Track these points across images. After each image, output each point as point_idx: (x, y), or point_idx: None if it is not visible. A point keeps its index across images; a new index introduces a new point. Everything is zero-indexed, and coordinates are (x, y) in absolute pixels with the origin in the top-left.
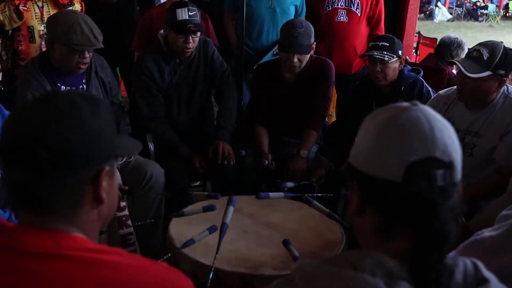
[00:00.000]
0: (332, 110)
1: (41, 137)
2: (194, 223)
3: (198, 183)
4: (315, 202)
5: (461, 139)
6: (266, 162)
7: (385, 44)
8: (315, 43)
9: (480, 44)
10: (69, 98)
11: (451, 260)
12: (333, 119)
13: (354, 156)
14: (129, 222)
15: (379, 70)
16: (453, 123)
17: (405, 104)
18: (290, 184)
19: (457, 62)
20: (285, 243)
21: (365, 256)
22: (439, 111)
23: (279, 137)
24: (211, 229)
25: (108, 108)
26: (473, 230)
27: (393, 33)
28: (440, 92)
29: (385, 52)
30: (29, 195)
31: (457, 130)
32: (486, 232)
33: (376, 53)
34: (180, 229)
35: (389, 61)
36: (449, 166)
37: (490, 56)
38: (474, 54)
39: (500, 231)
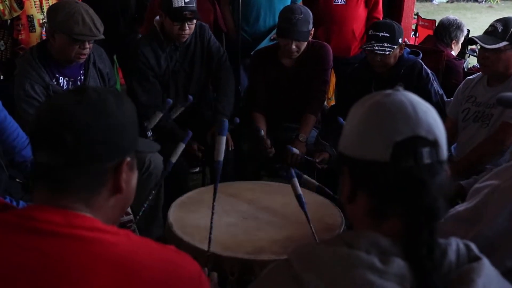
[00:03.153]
0: (331, 93)
1: (69, 123)
2: (193, 210)
3: (197, 169)
4: (305, 176)
5: (482, 112)
6: (262, 131)
7: (386, 34)
8: (313, 29)
9: (494, 21)
10: (98, 91)
11: (443, 240)
12: (332, 102)
13: (343, 143)
14: (129, 209)
15: (379, 60)
16: (475, 98)
17: (388, 90)
18: (295, 150)
19: (475, 38)
20: (290, 175)
21: (360, 236)
22: (466, 90)
23: (278, 122)
24: (185, 139)
25: (131, 105)
26: (466, 190)
27: (391, 15)
28: (468, 77)
29: (385, 44)
30: (51, 177)
31: (478, 104)
32: (461, 207)
33: (377, 47)
34: (179, 215)
35: (390, 53)
36: (434, 144)
37: (504, 28)
38: (490, 29)
39: (474, 202)
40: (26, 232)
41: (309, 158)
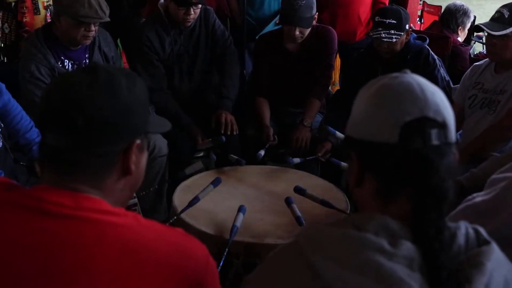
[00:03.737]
0: (336, 78)
1: (79, 104)
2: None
3: (201, 154)
4: (343, 164)
5: (489, 99)
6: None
7: (393, 21)
8: (317, 13)
9: (500, 7)
10: (108, 71)
11: (453, 224)
12: (337, 88)
13: (351, 126)
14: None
15: (386, 47)
16: (483, 85)
17: (396, 73)
18: (296, 160)
19: (481, 26)
20: (288, 201)
21: (368, 218)
22: (473, 76)
23: (282, 107)
24: (215, 183)
25: (143, 86)
26: (465, 185)
27: (397, 0)
28: (475, 63)
29: (392, 31)
30: (60, 158)
31: (486, 91)
32: (478, 197)
33: (384, 34)
34: (184, 198)
35: (397, 40)
36: (442, 125)
37: (510, 14)
38: (496, 15)
39: (492, 194)
40: (34, 213)
41: (311, 158)
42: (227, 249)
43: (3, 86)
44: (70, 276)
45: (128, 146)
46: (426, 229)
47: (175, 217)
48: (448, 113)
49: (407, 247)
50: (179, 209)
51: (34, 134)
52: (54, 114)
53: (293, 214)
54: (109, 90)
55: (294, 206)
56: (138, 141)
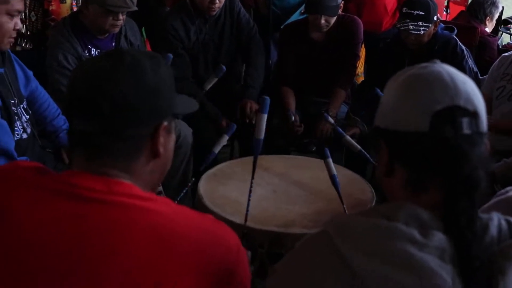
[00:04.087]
0: (360, 69)
1: (105, 89)
2: (223, 182)
3: (226, 143)
4: (347, 137)
5: None
6: (292, 116)
7: (421, 13)
8: (342, 2)
9: None
10: (133, 55)
11: (485, 215)
12: (361, 79)
13: (380, 116)
14: None
15: (413, 39)
16: (511, 76)
17: (425, 63)
18: (330, 119)
19: (510, 20)
20: (324, 154)
21: (399, 208)
22: (501, 67)
23: (307, 97)
24: (229, 131)
25: (168, 68)
26: (497, 174)
27: None
28: (504, 54)
29: (420, 23)
30: (88, 144)
31: None
32: (511, 191)
33: (411, 26)
34: (209, 187)
35: (425, 32)
36: (473, 114)
37: None
38: None
39: None
40: (67, 197)
41: (340, 130)
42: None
43: (31, 73)
44: (101, 260)
45: (156, 129)
46: (457, 218)
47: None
48: (479, 102)
49: (439, 238)
50: (204, 197)
51: (61, 121)
52: (80, 101)
53: (328, 171)
54: (134, 73)
55: (330, 161)
56: (165, 123)
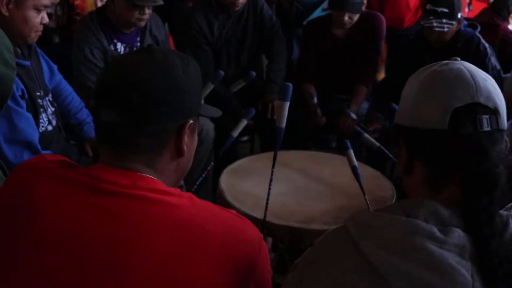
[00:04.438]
0: (380, 66)
1: (135, 82)
2: (244, 177)
3: (246, 138)
4: (366, 135)
5: None
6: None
7: (445, 10)
8: None
9: None
10: (165, 53)
11: (505, 212)
12: (382, 75)
13: (400, 114)
14: None
15: (436, 36)
16: None
17: (446, 61)
18: (353, 115)
19: None
20: (345, 146)
21: (418, 205)
22: None
23: (329, 93)
24: (248, 115)
25: (197, 68)
26: None
27: None
28: None
29: (444, 21)
30: (115, 136)
31: None
32: None
33: (435, 24)
34: (231, 182)
35: (449, 30)
36: (494, 112)
37: None
38: None
39: None
40: (92, 191)
41: (362, 126)
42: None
43: (55, 67)
44: (124, 254)
45: (181, 126)
46: (477, 215)
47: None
48: (500, 100)
49: (458, 235)
50: (225, 192)
51: (84, 114)
52: (109, 92)
53: (349, 162)
54: (164, 69)
55: (351, 152)
56: (191, 122)
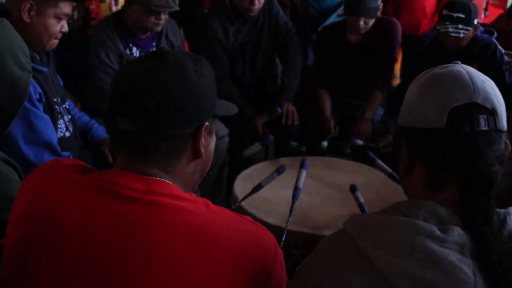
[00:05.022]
0: (397, 72)
1: (150, 89)
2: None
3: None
4: (379, 161)
5: None
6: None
7: (461, 15)
8: (382, 4)
9: None
10: (177, 56)
11: (502, 210)
12: (397, 81)
13: (402, 116)
14: None
15: (452, 42)
16: None
17: (446, 64)
18: (359, 142)
19: None
20: (353, 188)
21: (417, 205)
22: None
23: (343, 99)
24: (280, 171)
25: (210, 69)
26: None
27: None
28: None
29: (460, 26)
30: (131, 142)
31: None
32: None
33: (451, 29)
34: (244, 187)
35: (465, 35)
36: (491, 112)
37: None
38: None
39: None
40: (108, 196)
41: (372, 155)
42: (284, 236)
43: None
44: (142, 261)
45: (198, 129)
46: (474, 214)
47: (237, 203)
48: (499, 101)
49: (458, 233)
50: (240, 197)
51: (86, 117)
52: (125, 99)
53: (357, 201)
54: (178, 73)
55: (358, 193)
56: (207, 124)
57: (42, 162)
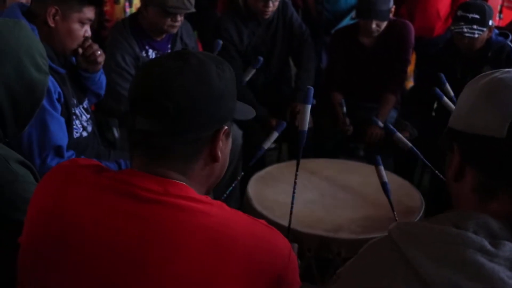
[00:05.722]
0: (409, 74)
1: (170, 91)
2: (272, 185)
3: (274, 145)
4: (398, 134)
5: None
6: (344, 108)
7: (476, 16)
8: (394, 6)
9: None
10: (199, 58)
11: None
12: (410, 83)
13: (455, 118)
14: None
15: (466, 42)
16: None
17: (508, 69)
18: (380, 123)
19: None
20: (376, 162)
21: (468, 216)
22: None
23: (357, 102)
24: (279, 128)
25: (232, 73)
26: None
27: None
28: None
29: (475, 27)
30: (149, 144)
31: None
32: None
33: (466, 29)
34: (258, 189)
35: (479, 36)
36: None
37: None
38: None
39: None
40: (124, 196)
41: (391, 127)
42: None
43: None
44: (157, 260)
45: (216, 133)
46: None
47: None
48: None
49: (510, 248)
50: (253, 200)
51: None
52: (145, 100)
53: (380, 178)
54: (200, 77)
55: (382, 168)
56: (225, 128)
57: (45, 163)
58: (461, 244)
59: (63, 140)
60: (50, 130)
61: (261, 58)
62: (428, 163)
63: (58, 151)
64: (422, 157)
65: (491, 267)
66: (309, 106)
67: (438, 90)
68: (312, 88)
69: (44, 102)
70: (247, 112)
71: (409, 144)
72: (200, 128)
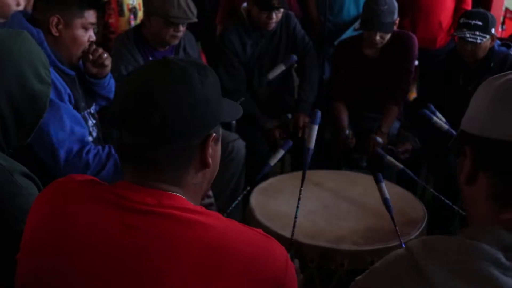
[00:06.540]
0: (412, 85)
1: (155, 103)
2: (274, 196)
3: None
4: (388, 157)
5: None
6: (347, 131)
7: (478, 23)
8: (398, 18)
9: None
10: (181, 66)
11: None
12: (413, 94)
13: (468, 121)
14: (210, 192)
15: (469, 49)
16: None
17: None
18: (379, 139)
19: None
20: (377, 179)
21: (482, 230)
22: None
23: (359, 112)
24: (285, 146)
25: (214, 76)
26: None
27: (480, 7)
28: None
29: (477, 33)
30: (138, 156)
31: None
32: None
33: (468, 35)
34: (261, 200)
35: (481, 42)
36: None
37: None
38: None
39: None
40: (120, 209)
41: (390, 147)
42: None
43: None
44: (154, 271)
45: (205, 140)
46: None
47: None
48: None
49: None
50: (255, 211)
51: None
52: (129, 113)
53: (381, 194)
54: (182, 85)
55: (383, 185)
56: (214, 134)
57: (70, 154)
58: (475, 256)
59: (84, 133)
60: (67, 124)
61: (294, 57)
62: (425, 185)
63: (82, 141)
64: (415, 177)
65: (505, 281)
66: (316, 127)
67: (427, 111)
68: (319, 111)
69: (56, 100)
70: (234, 112)
71: (400, 166)
72: (188, 136)
